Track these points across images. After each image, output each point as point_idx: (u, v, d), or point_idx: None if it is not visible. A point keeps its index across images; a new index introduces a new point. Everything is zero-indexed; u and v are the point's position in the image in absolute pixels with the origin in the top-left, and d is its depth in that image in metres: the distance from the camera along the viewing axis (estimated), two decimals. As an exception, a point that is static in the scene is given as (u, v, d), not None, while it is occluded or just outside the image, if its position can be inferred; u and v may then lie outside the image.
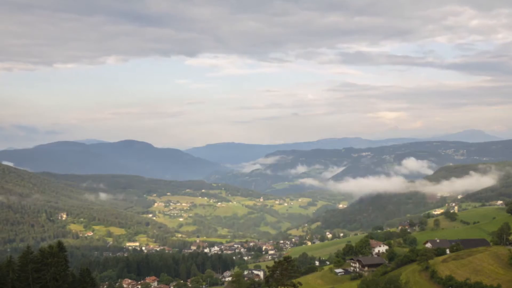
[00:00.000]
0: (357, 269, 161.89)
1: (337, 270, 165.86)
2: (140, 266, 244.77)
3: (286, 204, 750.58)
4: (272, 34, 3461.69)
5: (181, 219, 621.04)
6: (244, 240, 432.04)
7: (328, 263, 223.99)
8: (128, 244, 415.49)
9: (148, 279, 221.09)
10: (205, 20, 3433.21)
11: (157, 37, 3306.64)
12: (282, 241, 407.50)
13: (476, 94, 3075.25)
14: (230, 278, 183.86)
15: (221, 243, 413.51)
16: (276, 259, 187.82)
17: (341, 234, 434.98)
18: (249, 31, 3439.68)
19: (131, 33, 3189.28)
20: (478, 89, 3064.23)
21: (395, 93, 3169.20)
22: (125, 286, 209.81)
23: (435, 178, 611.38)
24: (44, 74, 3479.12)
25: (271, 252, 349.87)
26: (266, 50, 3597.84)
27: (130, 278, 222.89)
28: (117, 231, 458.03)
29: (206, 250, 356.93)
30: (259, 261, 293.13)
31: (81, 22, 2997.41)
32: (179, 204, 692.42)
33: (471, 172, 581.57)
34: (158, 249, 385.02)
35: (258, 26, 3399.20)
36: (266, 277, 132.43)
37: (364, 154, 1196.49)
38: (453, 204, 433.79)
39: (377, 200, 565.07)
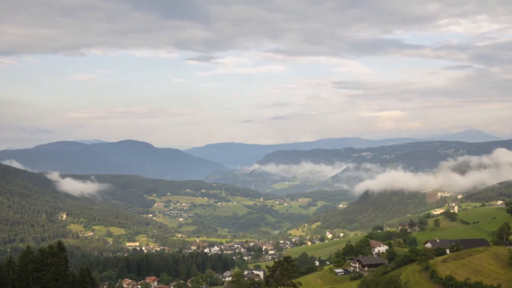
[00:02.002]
0: (357, 269, 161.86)
1: (337, 270, 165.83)
2: (140, 266, 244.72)
3: (286, 204, 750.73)
4: (272, 21, 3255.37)
5: (181, 219, 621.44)
6: (244, 240, 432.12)
7: (328, 263, 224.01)
8: (128, 244, 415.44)
9: (148, 279, 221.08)
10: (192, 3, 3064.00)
11: (144, 25, 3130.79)
12: (282, 241, 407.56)
13: (486, 94, 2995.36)
14: (230, 278, 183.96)
15: (221, 243, 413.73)
16: (276, 259, 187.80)
17: (341, 234, 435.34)
18: (245, 17, 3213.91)
19: (111, 20, 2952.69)
20: (491, 88, 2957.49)
21: (403, 91, 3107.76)
22: (125, 286, 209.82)
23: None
24: (26, 69, 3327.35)
25: (271, 252, 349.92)
26: (264, 41, 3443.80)
27: (130, 278, 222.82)
28: (117, 231, 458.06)
29: (206, 250, 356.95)
30: (259, 261, 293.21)
31: (51, 6, 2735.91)
32: (179, 204, 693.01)
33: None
34: (158, 249, 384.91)
35: (254, 11, 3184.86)
36: (266, 277, 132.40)
37: (364, 154, 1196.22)
38: (453, 204, 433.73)
39: (377, 200, 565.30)
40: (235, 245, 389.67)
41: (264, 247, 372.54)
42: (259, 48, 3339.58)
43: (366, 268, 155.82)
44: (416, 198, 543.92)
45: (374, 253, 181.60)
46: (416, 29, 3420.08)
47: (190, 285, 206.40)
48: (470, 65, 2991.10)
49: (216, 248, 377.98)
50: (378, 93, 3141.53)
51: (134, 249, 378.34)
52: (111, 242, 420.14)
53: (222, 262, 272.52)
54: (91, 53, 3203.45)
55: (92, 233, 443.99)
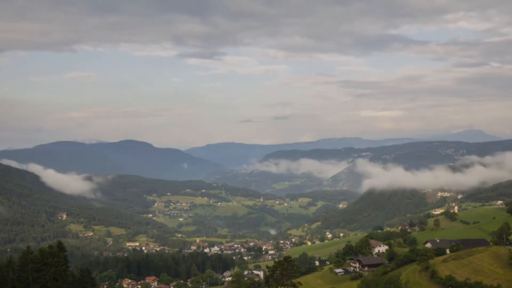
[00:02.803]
0: (357, 269, 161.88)
1: (337, 270, 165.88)
2: (140, 266, 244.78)
3: (286, 204, 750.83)
4: (272, 16, 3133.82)
5: (181, 219, 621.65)
6: (244, 240, 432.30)
7: (328, 263, 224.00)
8: (128, 244, 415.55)
9: (148, 279, 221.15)
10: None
11: (138, 19, 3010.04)
12: (282, 241, 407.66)
13: (491, 93, 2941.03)
14: (230, 278, 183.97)
15: (221, 243, 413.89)
16: (276, 259, 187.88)
17: (341, 234, 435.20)
18: (244, 11, 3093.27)
19: (102, 14, 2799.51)
20: (501, 87, 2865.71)
21: (405, 90, 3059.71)
22: (125, 286, 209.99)
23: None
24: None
25: (271, 252, 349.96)
26: (264, 38, 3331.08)
27: (130, 278, 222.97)
28: (117, 231, 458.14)
29: (206, 250, 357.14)
30: (259, 261, 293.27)
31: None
32: (179, 204, 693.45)
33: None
34: (158, 249, 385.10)
35: (253, 5, 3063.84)
36: (266, 277, 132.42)
37: (364, 154, 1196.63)
38: (453, 204, 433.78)
39: (377, 200, 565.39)
40: (235, 245, 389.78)
41: (264, 247, 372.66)
42: (259, 45, 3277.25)
43: (366, 268, 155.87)
44: (416, 198, 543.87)
45: (374, 253, 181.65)
46: (424, 23, 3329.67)
47: (190, 285, 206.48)
48: (480, 62, 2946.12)
49: (216, 248, 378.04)
50: (379, 92, 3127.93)
51: (134, 249, 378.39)
52: (111, 242, 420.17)
53: (222, 262, 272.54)
54: (84, 50, 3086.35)
55: (92, 233, 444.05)
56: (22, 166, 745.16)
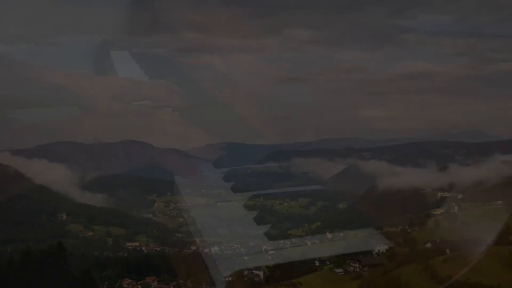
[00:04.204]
0: (357, 269, 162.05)
1: (337, 270, 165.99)
2: (140, 266, 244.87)
3: (286, 204, 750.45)
4: (270, 4, 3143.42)
5: (181, 219, 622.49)
6: (244, 240, 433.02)
7: (328, 263, 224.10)
8: (128, 244, 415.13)
9: (148, 279, 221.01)
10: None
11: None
12: (282, 241, 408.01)
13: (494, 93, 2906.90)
14: (230, 278, 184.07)
15: (221, 243, 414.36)
16: (276, 259, 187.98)
17: (341, 234, 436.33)
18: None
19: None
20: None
21: (407, 88, 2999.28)
22: (125, 286, 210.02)
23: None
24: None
25: (271, 252, 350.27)
26: (263, 32, 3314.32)
27: (130, 278, 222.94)
28: (117, 231, 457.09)
29: (206, 250, 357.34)
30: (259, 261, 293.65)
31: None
32: (179, 204, 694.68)
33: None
34: (158, 249, 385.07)
35: None
36: (266, 277, 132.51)
37: (364, 154, 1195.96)
38: (453, 204, 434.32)
39: (377, 200, 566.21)
40: (235, 245, 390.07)
41: (264, 247, 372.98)
42: (259, 39, 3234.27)
43: (366, 268, 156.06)
44: (416, 198, 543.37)
45: (374, 253, 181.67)
46: (439, 12, 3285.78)
47: (190, 285, 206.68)
48: (503, 58, 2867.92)
49: (216, 248, 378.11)
50: (383, 91, 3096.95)
51: (134, 249, 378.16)
52: (111, 242, 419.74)
53: (222, 262, 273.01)
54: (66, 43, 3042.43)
55: (92, 233, 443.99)
56: (22, 166, 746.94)
